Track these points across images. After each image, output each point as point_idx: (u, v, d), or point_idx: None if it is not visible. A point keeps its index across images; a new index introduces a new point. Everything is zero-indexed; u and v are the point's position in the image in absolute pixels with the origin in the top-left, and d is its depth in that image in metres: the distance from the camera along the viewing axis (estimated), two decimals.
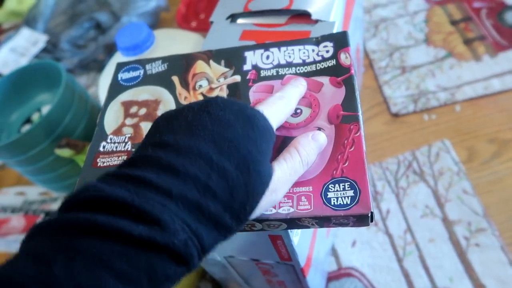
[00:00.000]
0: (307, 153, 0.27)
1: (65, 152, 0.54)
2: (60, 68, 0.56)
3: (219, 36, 0.39)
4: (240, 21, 0.41)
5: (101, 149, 0.32)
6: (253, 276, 0.40)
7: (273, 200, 0.25)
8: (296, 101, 0.30)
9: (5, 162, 0.56)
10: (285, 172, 0.26)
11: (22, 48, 0.80)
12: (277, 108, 0.28)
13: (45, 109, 0.64)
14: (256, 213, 0.25)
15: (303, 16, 0.39)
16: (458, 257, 0.50)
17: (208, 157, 0.23)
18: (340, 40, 0.32)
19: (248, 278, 0.41)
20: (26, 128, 0.63)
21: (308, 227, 0.28)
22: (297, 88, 0.30)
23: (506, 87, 0.60)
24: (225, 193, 0.23)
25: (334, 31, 0.36)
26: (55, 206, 0.65)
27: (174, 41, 0.49)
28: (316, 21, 0.37)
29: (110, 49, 0.77)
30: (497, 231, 0.50)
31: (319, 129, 0.29)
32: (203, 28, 0.71)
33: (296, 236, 0.31)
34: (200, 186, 0.22)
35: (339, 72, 0.30)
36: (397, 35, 0.70)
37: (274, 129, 0.27)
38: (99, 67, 0.80)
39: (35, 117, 0.64)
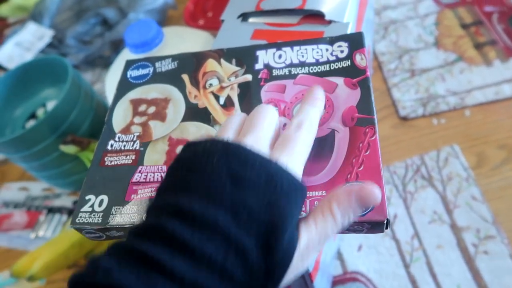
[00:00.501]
0: (343, 216, 0.23)
1: (70, 149, 0.53)
2: (66, 63, 0.56)
3: (230, 35, 0.39)
4: (251, 20, 0.40)
5: (109, 147, 0.31)
6: None
7: (300, 270, 0.23)
8: (317, 124, 0.26)
9: (9, 157, 0.56)
10: (313, 238, 0.23)
11: (28, 43, 0.79)
12: (299, 149, 0.24)
13: (50, 105, 0.63)
14: (280, 287, 0.22)
15: (316, 16, 0.38)
16: (466, 265, 0.49)
17: (226, 232, 0.20)
18: (355, 41, 0.31)
19: None
20: (31, 123, 0.62)
21: None
22: (315, 108, 0.27)
23: None
24: (244, 275, 0.20)
25: (348, 32, 0.36)
26: (58, 203, 0.64)
27: (183, 39, 0.48)
28: (330, 22, 0.37)
29: (117, 46, 0.77)
30: (506, 238, 0.49)
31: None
32: (210, 26, 0.70)
33: None
34: (216, 270, 0.20)
35: (354, 73, 0.30)
36: (407, 38, 0.69)
37: (300, 178, 0.24)
38: (105, 63, 0.79)
39: (40, 112, 0.63)
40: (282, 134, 0.25)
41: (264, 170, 0.22)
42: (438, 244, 0.51)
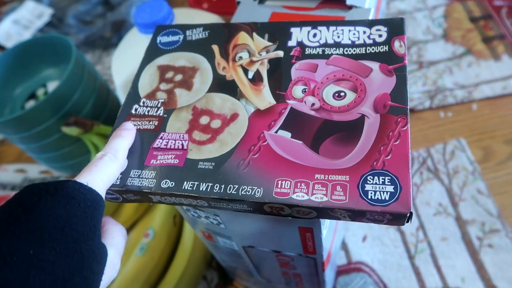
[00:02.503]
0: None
1: (72, 131, 0.52)
2: (70, 43, 0.54)
3: (247, 17, 0.38)
4: (268, 2, 0.39)
5: (133, 111, 0.31)
6: (269, 267, 0.39)
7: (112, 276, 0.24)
8: (124, 153, 0.27)
9: (8, 137, 0.54)
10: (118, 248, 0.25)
11: (26, 21, 0.77)
12: (100, 171, 0.25)
13: (51, 85, 0.61)
14: None
15: (335, 1, 0.37)
16: (471, 257, 0.49)
17: (34, 257, 0.20)
18: (395, 26, 0.31)
19: (263, 268, 0.40)
20: (30, 103, 0.61)
21: (339, 218, 0.26)
22: (122, 139, 0.28)
23: None
24: None
25: (370, 18, 0.35)
26: None
27: (194, 21, 0.47)
28: (350, 7, 0.36)
29: (118, 27, 0.75)
30: (511, 232, 0.49)
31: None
32: (214, 10, 0.68)
33: (325, 229, 0.30)
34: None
35: (390, 60, 0.29)
36: (415, 29, 0.69)
37: (103, 195, 0.25)
38: (106, 45, 0.77)
39: (40, 92, 0.61)
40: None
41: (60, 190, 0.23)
42: (442, 237, 0.51)
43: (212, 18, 0.50)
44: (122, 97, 0.53)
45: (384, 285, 0.49)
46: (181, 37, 0.35)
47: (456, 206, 0.53)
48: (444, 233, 0.51)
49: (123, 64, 0.49)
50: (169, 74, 0.32)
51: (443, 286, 0.48)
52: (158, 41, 0.35)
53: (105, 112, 0.57)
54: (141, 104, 0.31)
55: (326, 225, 0.30)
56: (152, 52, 0.34)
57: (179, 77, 0.32)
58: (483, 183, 0.53)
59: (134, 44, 0.48)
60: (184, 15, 0.47)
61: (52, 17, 0.77)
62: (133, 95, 0.32)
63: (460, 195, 0.53)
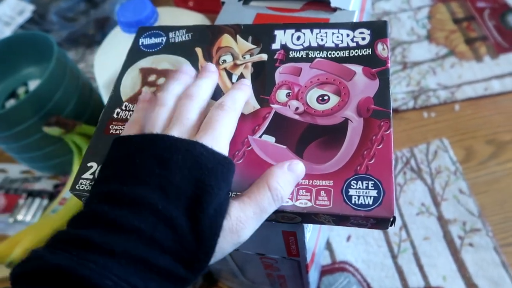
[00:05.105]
0: (281, 187, 0.24)
1: (54, 131, 0.51)
2: (51, 40, 0.53)
3: (231, 18, 0.37)
4: (253, 3, 0.39)
5: (115, 115, 0.30)
6: (253, 270, 0.39)
7: (235, 241, 0.24)
8: (242, 105, 0.28)
9: None
10: (246, 211, 0.24)
11: (6, 17, 0.75)
12: (222, 129, 0.25)
13: (32, 84, 0.60)
14: (217, 257, 0.24)
15: (320, 3, 0.37)
16: (452, 256, 0.50)
17: (154, 207, 0.22)
18: (378, 29, 0.31)
19: (247, 271, 0.40)
20: (11, 102, 0.59)
21: (323, 223, 0.27)
22: (241, 91, 0.28)
23: (506, 89, 0.60)
24: (174, 244, 0.21)
25: (354, 20, 0.35)
26: (38, 186, 0.62)
27: (178, 20, 0.47)
28: (335, 9, 0.36)
29: (102, 24, 0.74)
30: (491, 232, 0.50)
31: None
32: (200, 9, 0.68)
33: (308, 233, 0.30)
34: (145, 239, 0.21)
35: (374, 63, 0.29)
36: (400, 30, 0.69)
37: (227, 153, 0.25)
38: (89, 42, 0.76)
39: (21, 91, 0.60)
40: (206, 118, 0.26)
41: (189, 152, 0.23)
42: (425, 236, 0.52)
43: (197, 18, 0.50)
44: (105, 96, 0.52)
45: (368, 284, 0.50)
46: (164, 39, 0.34)
47: (439, 205, 0.53)
48: (427, 233, 0.52)
49: (106, 63, 0.48)
50: (152, 77, 0.32)
51: (425, 285, 0.48)
52: (140, 43, 0.34)
53: (88, 112, 0.57)
54: (124, 108, 0.31)
55: (310, 228, 0.30)
56: (134, 54, 0.34)
57: (162, 81, 0.32)
58: (464, 183, 0.54)
59: (117, 42, 0.48)
60: (168, 14, 0.46)
61: (33, 14, 0.75)
62: (115, 99, 0.31)
63: (442, 195, 0.54)
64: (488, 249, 0.49)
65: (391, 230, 0.53)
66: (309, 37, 0.32)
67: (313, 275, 0.40)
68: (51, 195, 0.60)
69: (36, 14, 0.75)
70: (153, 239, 0.21)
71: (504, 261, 0.48)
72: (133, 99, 0.31)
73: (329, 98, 0.28)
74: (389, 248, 0.52)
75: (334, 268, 0.51)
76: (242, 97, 0.28)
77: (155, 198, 0.22)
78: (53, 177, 0.63)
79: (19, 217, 0.58)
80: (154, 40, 0.34)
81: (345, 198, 0.25)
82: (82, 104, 0.56)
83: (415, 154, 0.58)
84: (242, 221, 0.24)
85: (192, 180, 0.23)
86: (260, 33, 0.33)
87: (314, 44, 0.31)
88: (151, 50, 0.34)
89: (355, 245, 0.52)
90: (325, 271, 0.51)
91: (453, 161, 0.56)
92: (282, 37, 0.32)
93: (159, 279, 0.21)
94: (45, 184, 0.62)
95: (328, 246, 0.53)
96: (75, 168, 0.56)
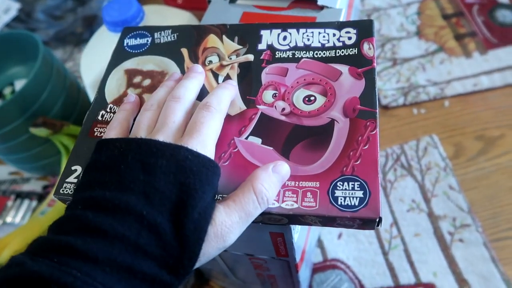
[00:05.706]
0: (266, 189, 0.24)
1: (41, 132, 0.50)
2: (36, 39, 0.52)
3: (218, 16, 0.37)
4: (240, 2, 0.38)
5: (99, 117, 0.30)
6: (243, 270, 0.39)
7: (221, 246, 0.24)
8: (227, 104, 0.28)
9: None
10: (231, 216, 0.24)
11: None
12: (208, 131, 0.25)
13: (19, 84, 0.59)
14: (202, 261, 0.23)
15: (307, 1, 0.37)
16: (442, 252, 0.50)
17: (139, 213, 0.21)
18: (364, 28, 0.30)
19: (237, 271, 0.40)
20: None
21: (310, 224, 0.26)
22: (226, 90, 0.28)
23: (494, 84, 0.60)
24: (158, 249, 0.21)
25: (341, 19, 0.35)
26: (26, 187, 0.61)
27: (165, 19, 0.46)
28: (322, 7, 0.36)
29: (90, 22, 0.73)
30: (480, 227, 0.51)
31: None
32: (189, 6, 0.67)
33: (296, 233, 0.30)
34: (129, 246, 0.21)
35: (360, 63, 0.29)
36: (390, 26, 0.69)
37: (213, 155, 0.25)
38: (77, 40, 0.75)
39: (7, 91, 0.59)
40: (191, 120, 0.26)
41: (174, 157, 0.23)
42: (415, 232, 0.52)
43: (184, 16, 0.49)
44: (92, 96, 0.51)
45: (359, 281, 0.50)
46: (149, 40, 0.34)
47: (429, 202, 0.54)
48: (417, 229, 0.52)
49: (93, 62, 0.47)
50: (137, 79, 0.31)
51: (416, 281, 0.49)
52: (125, 44, 0.34)
53: (76, 112, 0.56)
54: (108, 110, 0.30)
55: (298, 229, 0.30)
56: (119, 55, 0.33)
57: (147, 82, 0.31)
58: (454, 179, 0.54)
59: (104, 42, 0.47)
60: (155, 13, 0.46)
61: (19, 12, 0.74)
62: (100, 101, 0.31)
63: (433, 191, 0.54)
64: (478, 245, 0.50)
65: (382, 227, 0.53)
66: (296, 37, 0.31)
67: (303, 273, 0.40)
68: (40, 197, 0.60)
69: (23, 12, 0.74)
70: (137, 246, 0.21)
71: (493, 256, 0.49)
72: (118, 101, 0.31)
73: (315, 99, 0.28)
74: (380, 245, 0.52)
75: (326, 265, 0.52)
76: (227, 96, 0.28)
77: (139, 205, 0.22)
78: (42, 178, 0.62)
79: (8, 219, 0.57)
80: (139, 41, 0.34)
81: (331, 199, 0.25)
82: (69, 104, 0.55)
83: (405, 150, 0.58)
84: (227, 226, 0.23)
85: (177, 184, 0.23)
86: (246, 33, 0.32)
87: (300, 44, 0.31)
88: (136, 51, 0.33)
89: (346, 243, 0.52)
90: (317, 269, 0.51)
91: (443, 158, 0.56)
92: (269, 37, 0.32)
93: (144, 285, 0.21)
94: (34, 185, 0.61)
95: (320, 244, 0.53)
96: (63, 169, 0.55)
